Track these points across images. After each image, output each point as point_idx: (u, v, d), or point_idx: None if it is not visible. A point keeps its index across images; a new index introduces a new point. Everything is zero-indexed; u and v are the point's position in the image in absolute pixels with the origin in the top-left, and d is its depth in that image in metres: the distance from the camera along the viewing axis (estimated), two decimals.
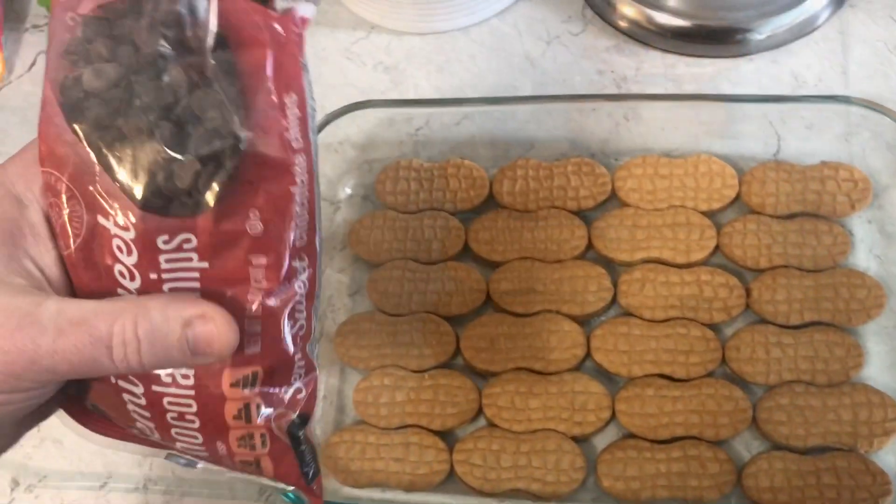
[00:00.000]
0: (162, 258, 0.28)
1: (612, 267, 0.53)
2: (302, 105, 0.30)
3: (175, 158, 0.27)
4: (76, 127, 0.28)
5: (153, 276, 0.28)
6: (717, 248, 0.53)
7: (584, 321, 0.52)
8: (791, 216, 0.53)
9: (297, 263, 0.30)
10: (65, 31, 0.29)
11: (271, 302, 0.29)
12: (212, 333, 0.28)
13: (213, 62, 0.27)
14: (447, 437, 0.51)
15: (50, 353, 0.27)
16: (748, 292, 0.51)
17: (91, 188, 0.28)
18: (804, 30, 0.60)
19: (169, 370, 0.29)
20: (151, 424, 0.31)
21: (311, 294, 0.31)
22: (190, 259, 0.28)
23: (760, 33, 0.59)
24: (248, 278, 0.28)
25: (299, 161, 0.29)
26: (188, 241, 0.28)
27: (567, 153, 0.57)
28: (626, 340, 0.50)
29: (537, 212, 0.55)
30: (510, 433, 0.49)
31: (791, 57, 0.59)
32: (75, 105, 0.28)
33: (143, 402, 0.30)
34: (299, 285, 0.30)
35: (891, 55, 0.58)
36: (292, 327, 0.30)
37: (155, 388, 0.30)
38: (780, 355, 0.49)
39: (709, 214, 0.53)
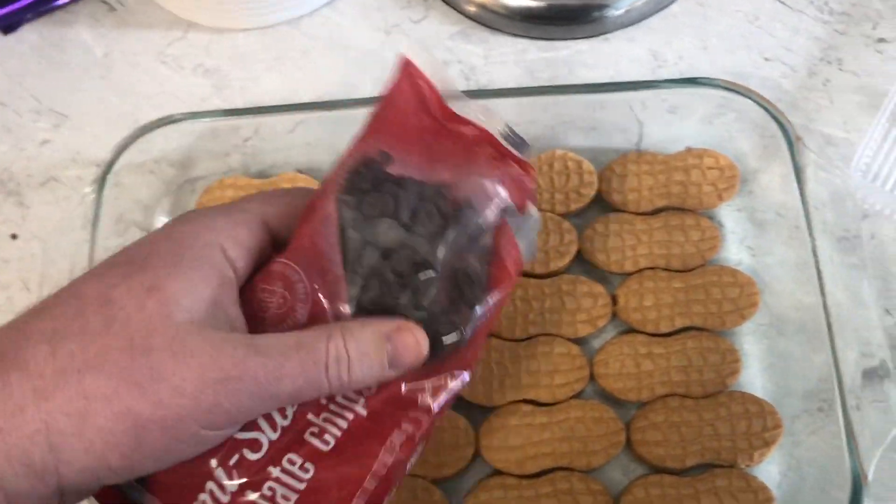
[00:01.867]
0: None
1: None
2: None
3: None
4: (348, 260, 0.32)
5: None
6: (578, 252, 0.48)
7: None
8: (656, 212, 0.48)
9: None
10: (375, 154, 0.34)
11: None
12: (409, 342, 0.31)
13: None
14: None
15: (276, 378, 0.29)
16: (614, 300, 0.47)
17: (324, 305, 0.32)
18: (662, 2, 0.55)
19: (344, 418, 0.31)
20: None
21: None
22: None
23: (618, 8, 0.55)
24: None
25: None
26: None
27: None
28: (483, 365, 0.45)
29: None
30: None
31: (649, 34, 0.55)
32: (356, 245, 0.32)
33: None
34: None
35: (751, 26, 0.54)
36: None
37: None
38: (652, 367, 0.45)
39: (568, 216, 0.49)
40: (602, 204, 0.49)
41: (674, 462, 0.43)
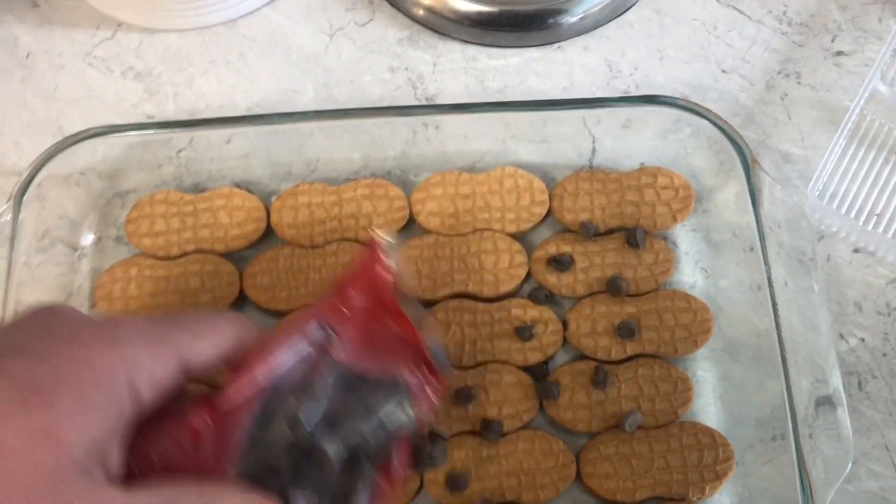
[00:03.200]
0: None
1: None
2: None
3: None
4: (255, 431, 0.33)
5: None
6: (528, 275, 0.46)
7: None
8: (609, 232, 0.47)
9: None
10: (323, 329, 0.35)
11: None
12: None
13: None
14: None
15: None
16: (565, 325, 0.45)
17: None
18: (618, 9, 0.53)
19: None
20: None
21: None
22: None
23: (573, 15, 0.52)
24: None
25: None
26: None
27: (359, 171, 0.49)
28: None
29: (325, 247, 0.46)
30: None
31: (604, 42, 0.53)
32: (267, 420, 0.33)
33: None
34: None
35: (709, 35, 0.53)
36: None
37: None
38: (603, 398, 0.43)
39: (519, 236, 0.47)
40: (554, 222, 0.48)
41: (624, 496, 0.42)
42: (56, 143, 0.45)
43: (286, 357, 0.34)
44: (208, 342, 0.32)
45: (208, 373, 0.33)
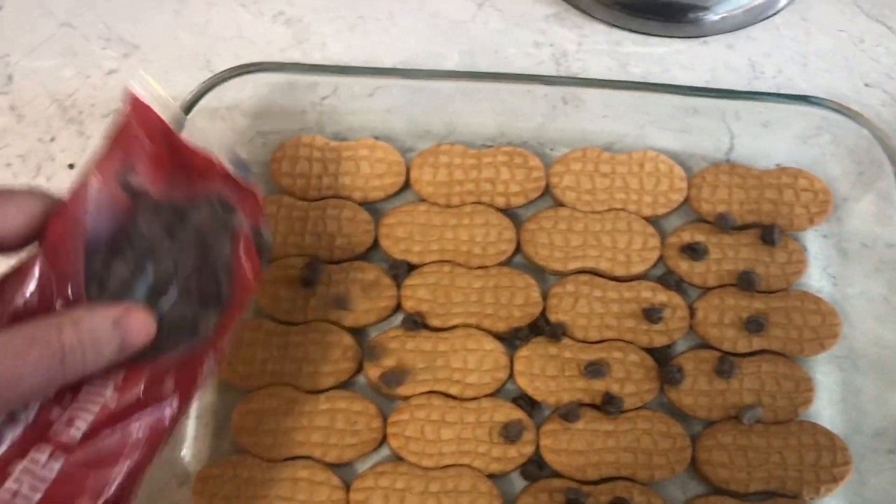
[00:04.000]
0: None
1: (543, 276, 0.46)
2: None
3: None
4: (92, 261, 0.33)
5: None
6: (660, 259, 0.46)
7: (509, 339, 0.45)
8: (744, 227, 0.47)
9: None
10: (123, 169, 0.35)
11: None
12: (138, 323, 0.31)
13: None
14: (344, 471, 0.43)
15: (15, 379, 0.28)
16: (692, 313, 0.45)
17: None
18: (763, 13, 0.53)
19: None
20: None
21: None
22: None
23: (716, 13, 0.53)
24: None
25: None
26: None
27: (495, 138, 0.49)
28: (556, 364, 0.44)
29: (461, 207, 0.47)
30: (418, 469, 0.42)
31: (749, 43, 0.53)
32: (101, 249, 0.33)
33: None
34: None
35: (854, 48, 0.53)
36: None
37: None
38: (725, 387, 0.44)
39: (652, 220, 0.47)
40: (687, 211, 0.48)
41: (737, 486, 0.42)
42: (213, 76, 0.46)
43: (96, 195, 0.34)
44: (11, 205, 0.32)
45: (21, 240, 0.32)
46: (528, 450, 0.43)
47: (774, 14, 0.53)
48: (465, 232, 0.46)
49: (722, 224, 0.46)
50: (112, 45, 0.52)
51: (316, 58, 0.52)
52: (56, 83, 0.51)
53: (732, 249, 0.46)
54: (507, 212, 0.47)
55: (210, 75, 0.46)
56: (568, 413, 0.43)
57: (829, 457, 0.43)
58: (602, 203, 0.47)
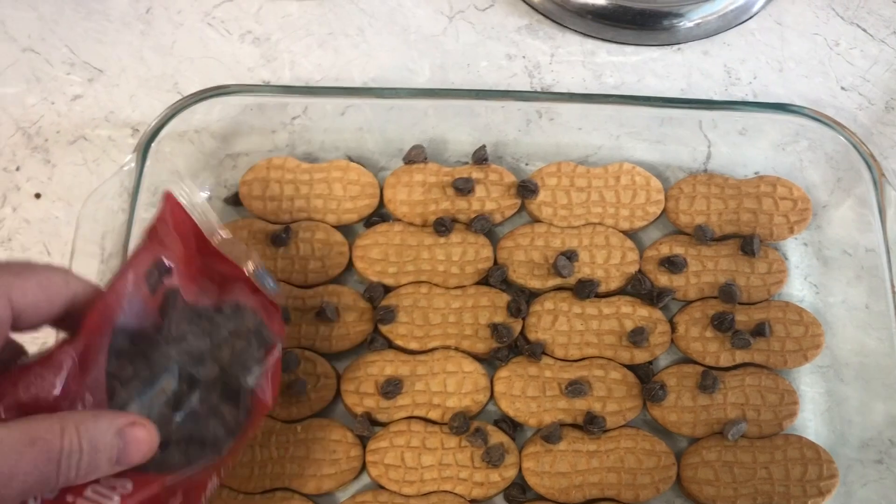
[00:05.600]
0: None
1: (522, 294, 0.46)
2: None
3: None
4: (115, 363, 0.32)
5: None
6: (639, 272, 0.46)
7: (488, 360, 0.44)
8: (723, 238, 0.46)
9: None
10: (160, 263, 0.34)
11: None
12: (141, 437, 0.30)
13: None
14: (323, 501, 0.42)
15: (8, 478, 0.27)
16: (673, 327, 0.45)
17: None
18: (738, 18, 0.53)
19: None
20: None
21: None
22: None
23: (690, 20, 0.52)
24: None
25: None
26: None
27: (470, 154, 0.48)
28: (536, 384, 0.43)
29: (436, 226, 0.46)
30: (399, 497, 0.42)
31: (724, 49, 0.52)
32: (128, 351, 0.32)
33: None
34: None
35: (830, 51, 0.52)
36: None
37: None
38: (709, 403, 0.43)
39: (630, 233, 0.46)
40: (665, 222, 0.47)
41: (724, 503, 0.42)
42: (180, 100, 0.45)
43: (130, 293, 0.33)
44: (32, 281, 0.31)
45: (39, 319, 0.31)
46: (511, 473, 0.42)
47: (749, 19, 0.53)
48: (441, 251, 0.45)
49: (700, 236, 0.45)
50: (76, 69, 0.51)
51: (286, 76, 0.51)
52: (20, 110, 0.50)
53: (712, 261, 0.45)
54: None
55: (178, 97, 0.46)
56: (550, 435, 0.42)
57: (816, 470, 0.42)
58: (579, 218, 0.46)
